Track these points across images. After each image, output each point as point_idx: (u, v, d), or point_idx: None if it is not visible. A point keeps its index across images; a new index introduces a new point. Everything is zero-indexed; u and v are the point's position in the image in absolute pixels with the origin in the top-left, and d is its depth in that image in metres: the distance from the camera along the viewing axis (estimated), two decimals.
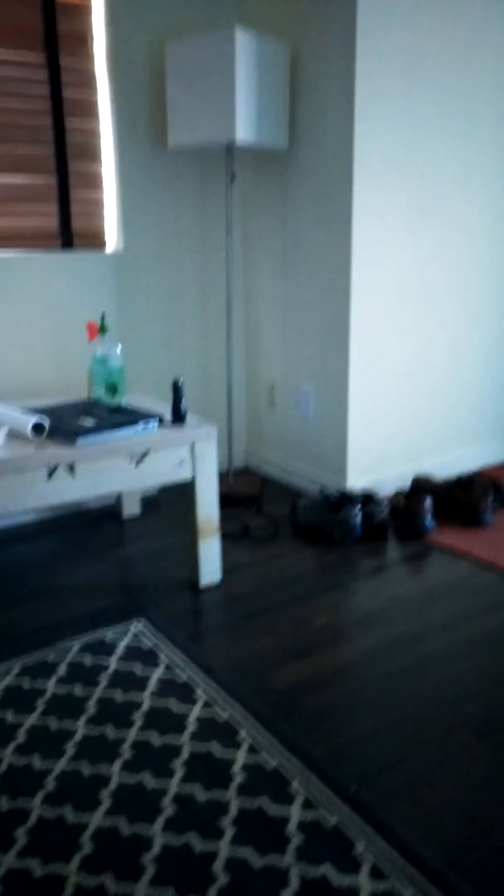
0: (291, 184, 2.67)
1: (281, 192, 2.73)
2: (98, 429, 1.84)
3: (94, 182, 2.58)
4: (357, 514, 2.37)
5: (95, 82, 2.51)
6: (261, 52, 2.30)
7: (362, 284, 2.52)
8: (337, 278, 2.54)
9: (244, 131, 2.32)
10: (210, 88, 2.30)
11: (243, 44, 2.23)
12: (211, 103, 2.31)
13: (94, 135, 2.54)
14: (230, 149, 2.49)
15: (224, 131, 2.31)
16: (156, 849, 1.19)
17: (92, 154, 2.55)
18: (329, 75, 2.40)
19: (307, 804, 1.28)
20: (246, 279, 3.00)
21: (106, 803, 1.29)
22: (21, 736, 1.46)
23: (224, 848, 1.19)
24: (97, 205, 2.60)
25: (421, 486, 2.66)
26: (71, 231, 2.57)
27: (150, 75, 2.57)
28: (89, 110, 2.52)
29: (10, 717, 1.52)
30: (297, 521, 2.49)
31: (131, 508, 2.64)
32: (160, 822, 1.25)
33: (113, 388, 2.17)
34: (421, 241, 2.64)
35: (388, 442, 2.78)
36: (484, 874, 1.15)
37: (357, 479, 2.71)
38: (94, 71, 2.50)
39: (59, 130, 2.47)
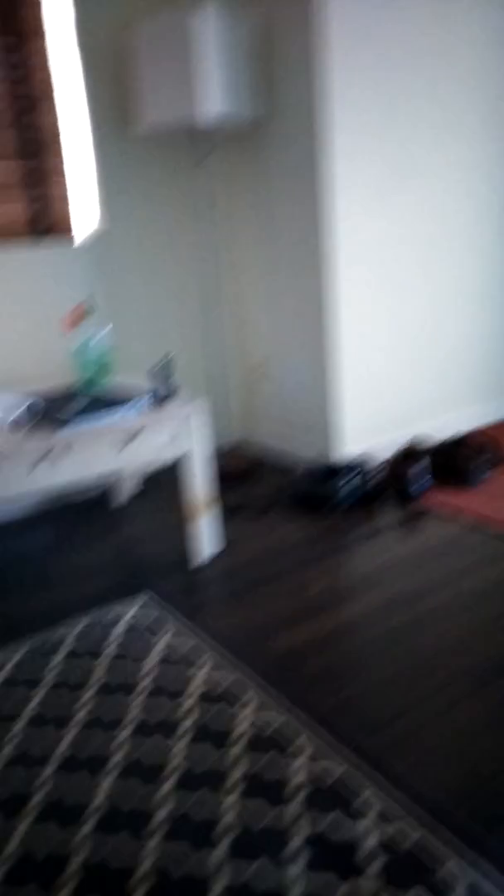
0: (265, 158, 2.67)
1: (257, 168, 2.72)
2: (87, 412, 1.86)
3: (63, 172, 2.56)
4: (344, 484, 2.41)
5: (59, 71, 2.50)
6: (227, 26, 2.29)
7: (344, 254, 2.54)
8: (317, 249, 2.55)
9: (210, 106, 2.30)
10: (176, 67, 2.29)
11: (206, 18, 2.23)
12: (177, 81, 2.30)
13: (57, 124, 2.52)
14: (199, 126, 2.49)
15: (188, 107, 2.30)
16: (161, 814, 1.24)
17: (57, 144, 2.54)
18: (298, 44, 2.39)
19: (314, 756, 1.32)
20: (230, 255, 3.00)
21: (114, 772, 1.33)
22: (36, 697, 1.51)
23: (232, 802, 1.24)
24: (68, 194, 2.59)
25: (411, 450, 2.69)
26: (42, 222, 2.56)
27: (115, 61, 2.55)
28: (54, 100, 2.50)
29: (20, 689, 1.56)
30: (292, 492, 2.52)
31: (128, 488, 2.67)
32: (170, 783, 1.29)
33: (101, 370, 2.19)
34: (400, 208, 2.65)
35: (382, 408, 2.81)
36: (489, 815, 1.19)
37: (355, 446, 2.75)
38: (55, 60, 2.48)
39: (23, 121, 2.46)
